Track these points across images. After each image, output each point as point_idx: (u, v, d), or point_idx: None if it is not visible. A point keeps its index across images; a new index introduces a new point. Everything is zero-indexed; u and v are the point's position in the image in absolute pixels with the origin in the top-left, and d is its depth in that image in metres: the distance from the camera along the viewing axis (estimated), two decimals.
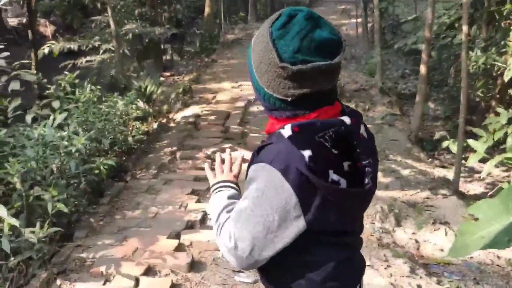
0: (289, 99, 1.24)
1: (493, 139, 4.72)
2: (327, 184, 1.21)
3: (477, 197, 6.39)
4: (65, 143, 3.61)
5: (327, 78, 1.23)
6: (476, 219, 5.16)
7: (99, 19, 10.37)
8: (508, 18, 7.83)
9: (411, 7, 14.48)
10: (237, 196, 1.45)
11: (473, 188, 6.77)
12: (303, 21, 1.18)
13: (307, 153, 1.19)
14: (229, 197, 1.43)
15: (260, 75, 1.26)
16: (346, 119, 1.26)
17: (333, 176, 1.22)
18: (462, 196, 6.13)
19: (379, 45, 10.51)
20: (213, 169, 1.60)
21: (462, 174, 6.30)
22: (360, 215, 1.43)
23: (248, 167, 1.33)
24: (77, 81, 5.17)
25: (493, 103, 7.92)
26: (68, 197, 3.65)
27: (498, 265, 4.53)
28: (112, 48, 9.93)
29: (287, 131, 1.23)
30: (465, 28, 5.76)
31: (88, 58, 10.35)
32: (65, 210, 3.23)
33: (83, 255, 3.61)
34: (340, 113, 1.31)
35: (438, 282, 3.97)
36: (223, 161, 1.58)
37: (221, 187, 1.49)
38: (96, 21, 10.46)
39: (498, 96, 7.92)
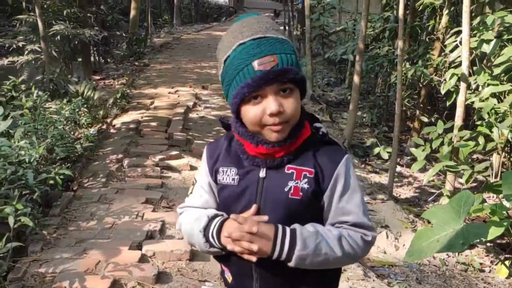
0: None
1: (431, 147, 5.06)
2: None
3: (408, 201, 6.85)
4: (21, 152, 3.42)
5: None
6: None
7: (24, 18, 9.82)
8: (430, 33, 8.47)
9: (335, 18, 15.11)
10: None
11: (403, 192, 7.22)
12: None
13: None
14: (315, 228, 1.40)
15: None
16: None
17: None
18: (396, 200, 6.52)
19: (309, 54, 10.88)
20: None
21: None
22: None
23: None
24: (23, 86, 4.87)
25: (417, 112, 8.50)
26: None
27: (434, 265, 4.90)
28: (39, 49, 9.46)
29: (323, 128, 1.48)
30: (400, 43, 6.18)
31: (11, 59, 9.79)
32: (31, 224, 3.07)
33: (42, 270, 3.43)
34: None
35: (388, 284, 4.23)
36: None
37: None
38: (20, 20, 9.89)
39: (421, 105, 8.52)
